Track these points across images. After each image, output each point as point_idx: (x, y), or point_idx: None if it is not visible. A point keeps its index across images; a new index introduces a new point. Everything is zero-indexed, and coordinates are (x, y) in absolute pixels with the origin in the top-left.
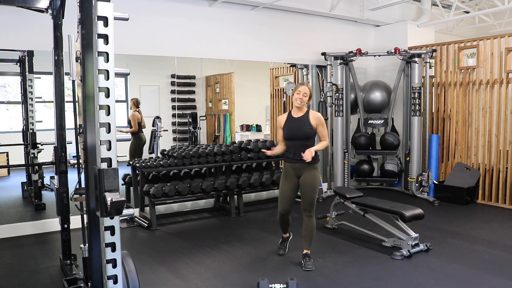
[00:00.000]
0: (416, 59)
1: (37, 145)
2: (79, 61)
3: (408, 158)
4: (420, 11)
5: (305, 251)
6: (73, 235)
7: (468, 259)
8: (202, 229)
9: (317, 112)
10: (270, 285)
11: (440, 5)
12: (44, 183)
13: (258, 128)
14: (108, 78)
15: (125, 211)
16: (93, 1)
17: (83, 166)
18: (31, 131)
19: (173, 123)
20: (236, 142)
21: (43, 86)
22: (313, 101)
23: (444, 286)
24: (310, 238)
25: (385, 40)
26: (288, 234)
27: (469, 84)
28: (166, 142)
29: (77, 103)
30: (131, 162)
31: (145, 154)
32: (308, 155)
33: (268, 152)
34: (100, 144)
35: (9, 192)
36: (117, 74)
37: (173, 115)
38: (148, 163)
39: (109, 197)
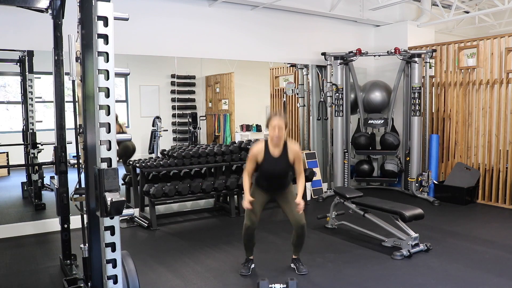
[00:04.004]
0: (416, 59)
1: (37, 145)
2: (79, 61)
3: (408, 158)
4: (420, 11)
5: (295, 256)
6: (73, 235)
7: (468, 259)
8: (202, 229)
9: (295, 145)
10: (270, 285)
11: (440, 5)
12: (44, 183)
13: (258, 128)
14: (108, 78)
15: (125, 211)
16: (93, 1)
17: (83, 166)
18: (31, 131)
19: (173, 123)
20: (236, 142)
21: (43, 86)
22: (313, 101)
23: (444, 286)
24: (301, 246)
25: (385, 40)
26: (252, 256)
27: (469, 84)
28: (166, 142)
29: (77, 103)
30: (131, 162)
31: (145, 154)
32: (301, 207)
33: (247, 205)
34: (100, 144)
35: (9, 192)
36: (117, 74)
37: (173, 115)
38: (148, 163)
39: (109, 197)
